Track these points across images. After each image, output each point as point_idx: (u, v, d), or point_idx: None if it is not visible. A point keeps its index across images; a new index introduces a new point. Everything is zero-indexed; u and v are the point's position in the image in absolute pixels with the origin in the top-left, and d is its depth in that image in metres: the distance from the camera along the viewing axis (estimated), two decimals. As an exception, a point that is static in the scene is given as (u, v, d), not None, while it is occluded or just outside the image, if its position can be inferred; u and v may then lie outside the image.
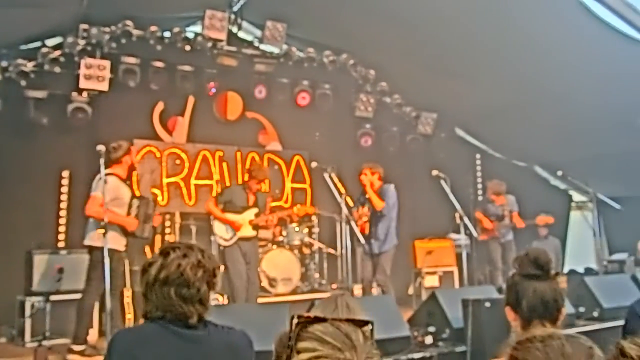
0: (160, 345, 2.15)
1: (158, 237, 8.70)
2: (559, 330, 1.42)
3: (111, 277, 5.42)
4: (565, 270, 10.49)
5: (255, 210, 7.22)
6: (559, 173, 9.03)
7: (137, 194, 6.76)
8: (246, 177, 7.62)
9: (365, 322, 1.23)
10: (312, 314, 1.25)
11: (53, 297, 6.36)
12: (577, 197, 11.16)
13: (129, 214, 5.98)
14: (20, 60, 7.41)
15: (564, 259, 10.90)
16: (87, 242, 5.87)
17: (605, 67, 7.57)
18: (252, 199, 7.25)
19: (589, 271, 9.65)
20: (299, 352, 1.17)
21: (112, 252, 5.65)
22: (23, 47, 7.74)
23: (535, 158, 10.61)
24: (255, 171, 7.26)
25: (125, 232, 5.95)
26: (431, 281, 8.51)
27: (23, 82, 7.46)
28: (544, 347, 1.33)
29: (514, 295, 2.40)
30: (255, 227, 7.21)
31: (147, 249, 7.88)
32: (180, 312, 2.18)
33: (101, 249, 5.50)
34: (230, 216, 7.10)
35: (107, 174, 5.76)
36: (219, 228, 7.15)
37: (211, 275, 2.27)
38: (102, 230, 5.57)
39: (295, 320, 1.22)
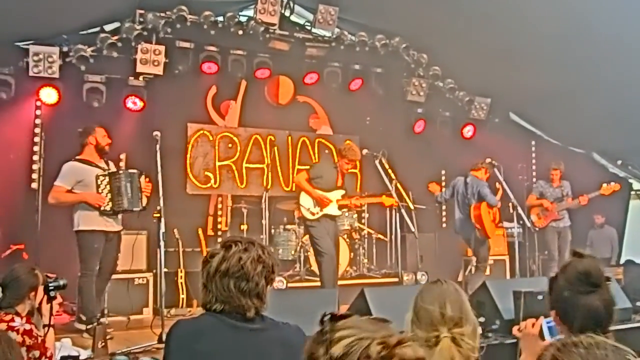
0: (216, 337, 2.21)
1: (210, 220, 8.89)
2: (608, 340, 1.41)
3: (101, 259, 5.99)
4: (622, 260, 10.19)
5: (342, 191, 7.23)
6: (619, 162, 8.73)
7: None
8: (336, 158, 7.64)
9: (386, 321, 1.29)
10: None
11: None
12: (637, 185, 10.77)
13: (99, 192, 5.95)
14: (80, 46, 7.59)
15: (621, 248, 10.58)
16: (75, 227, 6.01)
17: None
18: (341, 180, 7.25)
19: (647, 262, 9.33)
20: (338, 341, 1.20)
21: (101, 233, 5.92)
22: (83, 32, 7.93)
23: (593, 145, 10.26)
24: (347, 150, 7.19)
25: (109, 212, 5.99)
26: (481, 270, 8.39)
27: (83, 67, 7.66)
28: (587, 355, 1.32)
29: (563, 308, 2.31)
30: (341, 207, 7.24)
31: (200, 231, 8.02)
32: (238, 305, 2.24)
33: (84, 232, 5.91)
34: (319, 192, 7.09)
35: (67, 161, 5.98)
36: (306, 201, 7.11)
37: (270, 271, 2.31)
38: (89, 213, 5.89)
39: (327, 317, 1.28)
